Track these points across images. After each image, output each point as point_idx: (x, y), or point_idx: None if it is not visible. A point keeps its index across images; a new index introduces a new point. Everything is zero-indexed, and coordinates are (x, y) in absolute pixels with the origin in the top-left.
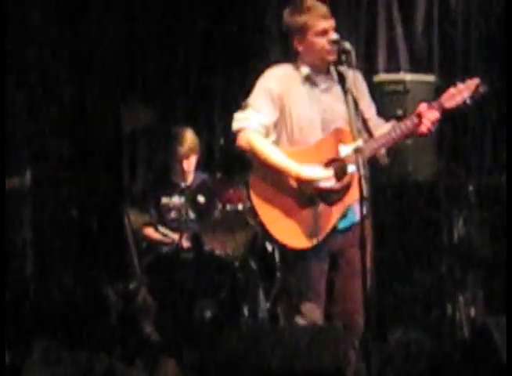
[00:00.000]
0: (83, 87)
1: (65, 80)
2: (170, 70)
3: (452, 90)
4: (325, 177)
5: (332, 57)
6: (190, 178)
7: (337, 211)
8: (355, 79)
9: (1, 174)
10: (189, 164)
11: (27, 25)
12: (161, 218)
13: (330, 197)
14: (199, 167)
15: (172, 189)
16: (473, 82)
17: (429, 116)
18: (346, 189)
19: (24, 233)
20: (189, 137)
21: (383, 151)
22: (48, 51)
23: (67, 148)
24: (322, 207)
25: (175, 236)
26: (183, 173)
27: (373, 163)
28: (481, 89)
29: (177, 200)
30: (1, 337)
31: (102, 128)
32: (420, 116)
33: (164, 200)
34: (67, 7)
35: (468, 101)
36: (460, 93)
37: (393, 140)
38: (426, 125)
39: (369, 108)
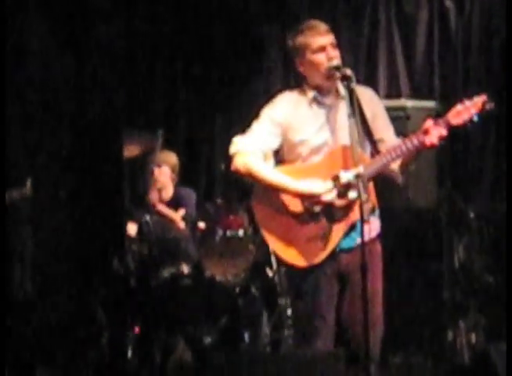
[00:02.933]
0: (84, 112)
1: (64, 108)
2: (171, 97)
3: (458, 107)
4: (325, 190)
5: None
6: (167, 194)
7: (341, 228)
8: (367, 99)
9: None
10: (161, 172)
11: (28, 48)
12: (144, 237)
13: (334, 214)
14: (193, 186)
15: (147, 206)
16: (480, 99)
17: (435, 131)
18: (350, 206)
19: (24, 259)
20: (166, 152)
21: (396, 169)
22: (48, 77)
23: (68, 177)
24: (325, 224)
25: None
26: (154, 181)
27: (388, 182)
28: (488, 106)
29: (156, 218)
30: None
31: (103, 155)
32: (426, 132)
33: (146, 218)
34: (68, 31)
35: (475, 118)
36: (467, 110)
37: (399, 156)
38: (431, 139)
39: (385, 129)
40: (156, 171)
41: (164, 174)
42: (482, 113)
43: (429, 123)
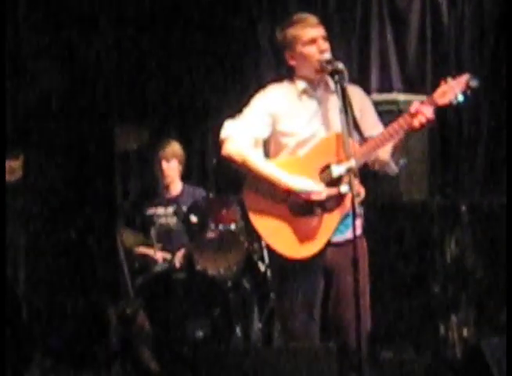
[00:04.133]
0: (76, 108)
1: (57, 102)
2: (163, 91)
3: (443, 87)
4: (316, 190)
5: (324, 68)
6: (176, 189)
7: (334, 218)
8: (355, 95)
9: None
10: (170, 167)
11: (24, 42)
12: (146, 230)
13: (326, 204)
14: (186, 179)
15: (157, 199)
16: (463, 77)
17: (423, 111)
18: (342, 197)
19: (17, 254)
20: (173, 144)
21: (387, 159)
22: (42, 71)
23: (60, 169)
24: (319, 215)
25: (159, 256)
26: (163, 176)
27: (381, 174)
28: (472, 84)
29: (162, 211)
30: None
31: (95, 149)
32: (414, 114)
33: (150, 211)
34: (62, 28)
35: (460, 97)
36: (452, 89)
37: (387, 140)
38: (419, 120)
39: (374, 126)
40: (165, 165)
41: (173, 169)
42: (467, 92)
43: (415, 105)
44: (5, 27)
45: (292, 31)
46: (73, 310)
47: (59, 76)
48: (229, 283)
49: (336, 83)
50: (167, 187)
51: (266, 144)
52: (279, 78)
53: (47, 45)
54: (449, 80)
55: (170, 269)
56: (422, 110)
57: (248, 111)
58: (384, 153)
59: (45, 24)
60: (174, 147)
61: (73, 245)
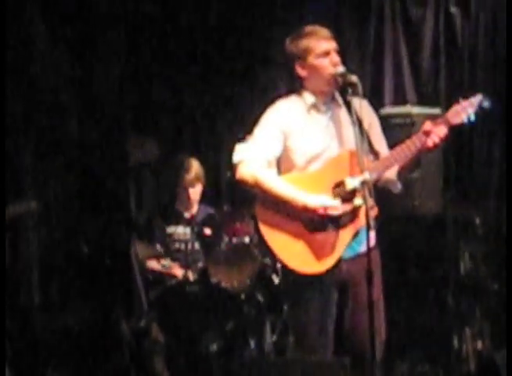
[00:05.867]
0: (88, 121)
1: (70, 114)
2: (176, 103)
3: (456, 107)
4: (332, 206)
5: (335, 81)
6: (194, 209)
7: (347, 234)
8: (363, 109)
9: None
10: (195, 192)
11: (33, 56)
12: (167, 248)
13: (340, 220)
14: (203, 199)
15: (177, 218)
16: (476, 99)
17: (437, 131)
18: (355, 211)
19: (30, 265)
20: (195, 166)
21: (394, 176)
22: (53, 83)
23: (73, 182)
24: (332, 231)
25: (178, 271)
26: (188, 202)
27: (386, 192)
28: (484, 105)
29: (181, 230)
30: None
31: (108, 162)
32: (427, 133)
33: (169, 229)
34: (72, 42)
35: (472, 117)
36: (464, 109)
37: (402, 159)
38: (433, 140)
39: (379, 141)
40: (191, 191)
41: (197, 193)
42: (478, 112)
43: (428, 125)
44: (7, 41)
45: (305, 42)
46: (86, 323)
47: (71, 88)
48: (243, 296)
49: (348, 96)
50: (187, 209)
51: (277, 160)
52: (286, 93)
53: (57, 57)
54: (462, 100)
55: (184, 281)
56: (435, 129)
57: (259, 132)
58: (390, 171)
59: (55, 34)
60: (198, 170)
61: (86, 258)
